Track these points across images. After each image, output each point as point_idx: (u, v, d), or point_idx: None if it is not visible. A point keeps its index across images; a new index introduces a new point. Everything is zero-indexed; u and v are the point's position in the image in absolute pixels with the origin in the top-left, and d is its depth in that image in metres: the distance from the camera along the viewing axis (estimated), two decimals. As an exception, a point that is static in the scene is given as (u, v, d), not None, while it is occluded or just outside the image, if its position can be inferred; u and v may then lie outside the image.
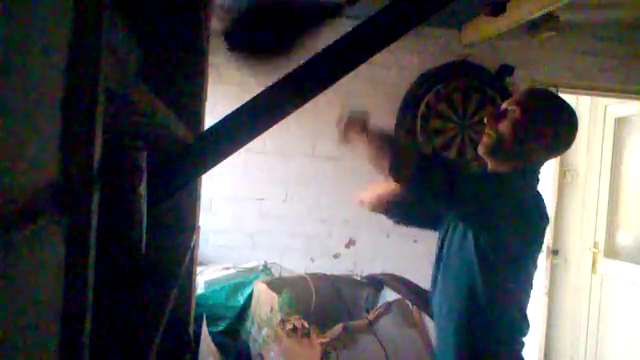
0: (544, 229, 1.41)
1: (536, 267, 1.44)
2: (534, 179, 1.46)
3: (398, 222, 1.69)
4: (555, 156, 1.51)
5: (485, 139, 1.46)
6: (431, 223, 1.62)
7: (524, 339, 1.46)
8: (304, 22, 1.09)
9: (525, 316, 1.44)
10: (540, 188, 1.46)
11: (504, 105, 1.47)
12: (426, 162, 1.35)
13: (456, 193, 1.30)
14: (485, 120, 1.47)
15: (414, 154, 1.35)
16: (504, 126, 1.42)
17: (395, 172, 1.31)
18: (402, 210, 1.64)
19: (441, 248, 1.50)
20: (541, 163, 1.47)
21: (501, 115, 1.44)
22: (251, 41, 1.19)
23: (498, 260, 1.34)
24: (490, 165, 1.48)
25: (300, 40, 1.18)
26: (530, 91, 1.66)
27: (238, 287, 2.79)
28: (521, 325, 1.44)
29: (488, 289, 1.35)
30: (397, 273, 2.89)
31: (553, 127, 1.41)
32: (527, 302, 1.44)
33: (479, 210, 1.31)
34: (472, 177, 1.42)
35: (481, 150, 1.47)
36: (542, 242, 1.43)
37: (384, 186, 1.59)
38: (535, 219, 1.37)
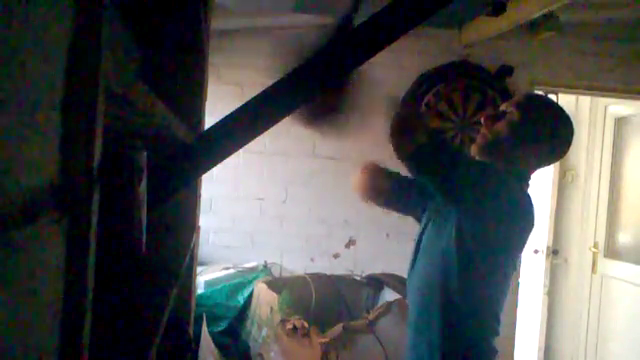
0: (529, 232, 1.40)
1: (515, 269, 1.44)
2: (526, 183, 1.46)
3: (380, 205, 1.69)
4: (548, 163, 1.50)
5: (480, 139, 1.46)
6: (412, 211, 1.63)
7: (495, 342, 1.44)
8: (337, 56, 1.09)
9: (498, 316, 1.43)
10: (537, 189, 1.46)
11: (502, 107, 1.47)
12: (434, 141, 1.33)
13: (456, 176, 1.29)
14: (482, 121, 1.47)
15: (424, 131, 1.31)
16: (501, 127, 1.42)
17: (402, 144, 1.29)
18: (387, 196, 1.64)
19: (421, 236, 1.50)
20: (533, 168, 1.47)
21: (498, 117, 1.45)
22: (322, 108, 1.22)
23: (477, 251, 1.34)
24: None
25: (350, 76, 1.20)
26: (529, 95, 1.67)
27: (238, 287, 2.79)
28: (493, 324, 1.42)
29: (462, 281, 1.35)
30: (397, 273, 2.89)
31: (550, 132, 1.41)
32: (502, 303, 1.43)
33: (473, 196, 1.31)
34: (474, 164, 1.42)
35: (475, 150, 1.47)
36: (524, 245, 1.42)
37: (370, 175, 1.60)
38: (523, 220, 1.37)
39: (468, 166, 1.35)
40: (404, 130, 1.30)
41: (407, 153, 1.29)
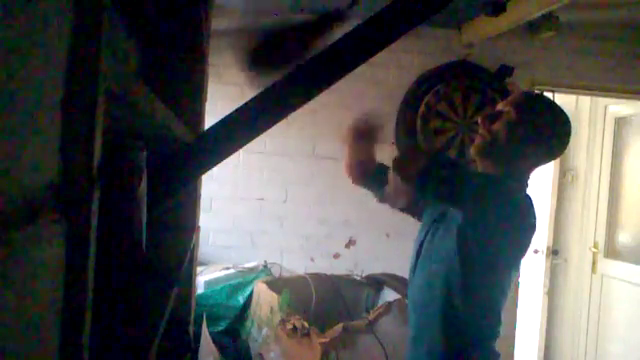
0: (532, 235, 1.39)
1: (517, 271, 1.43)
2: (526, 183, 1.46)
3: (382, 202, 1.68)
4: (547, 161, 1.49)
5: (478, 140, 1.45)
6: (416, 211, 1.63)
7: (495, 344, 1.44)
8: (311, 33, 1.09)
9: (499, 319, 1.43)
10: (537, 189, 1.45)
11: (499, 106, 1.47)
12: (431, 164, 1.34)
13: (457, 191, 1.30)
14: (479, 121, 1.47)
15: (421, 156, 1.36)
16: (498, 127, 1.42)
17: (401, 173, 1.35)
18: (390, 197, 1.63)
19: (422, 241, 1.50)
20: (532, 167, 1.46)
21: (495, 116, 1.44)
22: (269, 59, 1.21)
23: (480, 256, 1.33)
24: (481, 167, 1.47)
25: (310, 50, 1.19)
26: (526, 94, 1.66)
27: (238, 287, 2.79)
28: (495, 326, 1.43)
29: (465, 286, 1.35)
30: (397, 273, 2.89)
31: (547, 130, 1.40)
32: (503, 305, 1.43)
33: (475, 204, 1.30)
34: (472, 175, 1.42)
35: (474, 151, 1.46)
36: (527, 247, 1.41)
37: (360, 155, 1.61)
38: (524, 223, 1.36)
39: (468, 177, 1.35)
40: (404, 165, 1.36)
41: (412, 182, 1.35)
